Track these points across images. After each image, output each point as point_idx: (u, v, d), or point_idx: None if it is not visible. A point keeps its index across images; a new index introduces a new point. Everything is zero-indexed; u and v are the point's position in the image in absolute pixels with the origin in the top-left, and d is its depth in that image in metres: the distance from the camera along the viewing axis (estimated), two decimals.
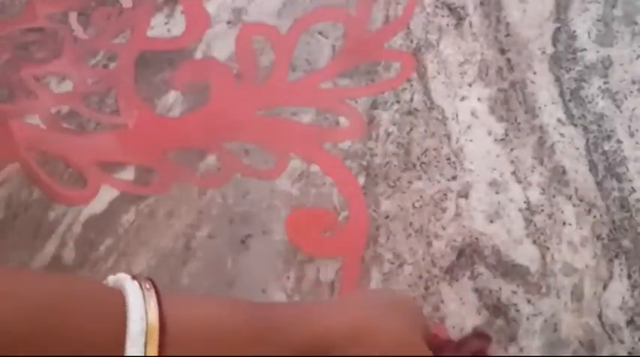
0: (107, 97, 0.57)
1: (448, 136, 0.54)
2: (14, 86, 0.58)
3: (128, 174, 0.53)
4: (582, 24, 0.58)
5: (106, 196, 0.52)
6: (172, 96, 0.57)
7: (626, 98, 0.55)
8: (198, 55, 0.59)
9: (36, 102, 0.57)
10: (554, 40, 0.58)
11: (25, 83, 0.58)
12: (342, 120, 0.55)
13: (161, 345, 0.31)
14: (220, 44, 0.60)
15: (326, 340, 0.34)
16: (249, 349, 0.33)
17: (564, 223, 0.50)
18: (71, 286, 0.32)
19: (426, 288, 0.48)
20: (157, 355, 0.30)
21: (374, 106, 0.56)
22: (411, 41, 0.59)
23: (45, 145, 0.55)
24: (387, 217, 0.51)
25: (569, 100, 0.55)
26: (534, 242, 0.49)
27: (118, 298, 0.32)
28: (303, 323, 0.35)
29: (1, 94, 0.57)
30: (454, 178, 0.52)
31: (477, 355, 0.45)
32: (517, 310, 0.47)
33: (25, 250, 0.50)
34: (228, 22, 0.61)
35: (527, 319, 0.46)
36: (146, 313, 0.31)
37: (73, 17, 0.62)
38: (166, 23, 0.61)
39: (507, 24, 0.59)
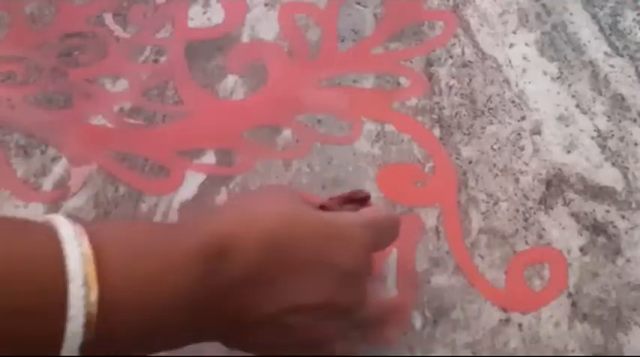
0: (167, 90, 0.58)
1: (507, 82, 0.57)
2: (68, 91, 0.57)
3: (209, 158, 0.54)
4: None
5: (193, 181, 0.52)
6: (231, 80, 0.58)
7: None
8: (245, 38, 0.60)
9: (95, 103, 0.57)
10: None
11: (78, 87, 0.58)
12: (403, 80, 0.57)
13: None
14: (264, 26, 0.61)
15: (221, 233, 0.35)
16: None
17: (636, 144, 0.53)
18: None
19: (525, 220, 0.50)
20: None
21: (429, 63, 0.58)
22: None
23: (116, 142, 0.55)
24: (470, 162, 0.53)
25: (610, 34, 0.59)
26: (613, 164, 0.52)
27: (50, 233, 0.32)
28: (200, 224, 0.36)
29: (58, 101, 0.57)
30: (523, 118, 0.55)
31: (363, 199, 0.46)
32: (614, 227, 0.50)
33: None
34: (266, 5, 0.62)
35: (626, 232, 0.49)
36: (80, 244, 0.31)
37: (108, 18, 0.62)
38: (204, 13, 0.62)
39: None
